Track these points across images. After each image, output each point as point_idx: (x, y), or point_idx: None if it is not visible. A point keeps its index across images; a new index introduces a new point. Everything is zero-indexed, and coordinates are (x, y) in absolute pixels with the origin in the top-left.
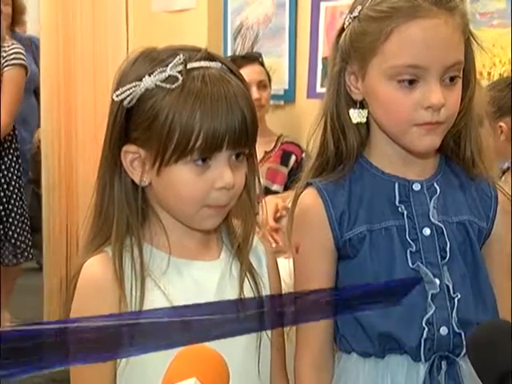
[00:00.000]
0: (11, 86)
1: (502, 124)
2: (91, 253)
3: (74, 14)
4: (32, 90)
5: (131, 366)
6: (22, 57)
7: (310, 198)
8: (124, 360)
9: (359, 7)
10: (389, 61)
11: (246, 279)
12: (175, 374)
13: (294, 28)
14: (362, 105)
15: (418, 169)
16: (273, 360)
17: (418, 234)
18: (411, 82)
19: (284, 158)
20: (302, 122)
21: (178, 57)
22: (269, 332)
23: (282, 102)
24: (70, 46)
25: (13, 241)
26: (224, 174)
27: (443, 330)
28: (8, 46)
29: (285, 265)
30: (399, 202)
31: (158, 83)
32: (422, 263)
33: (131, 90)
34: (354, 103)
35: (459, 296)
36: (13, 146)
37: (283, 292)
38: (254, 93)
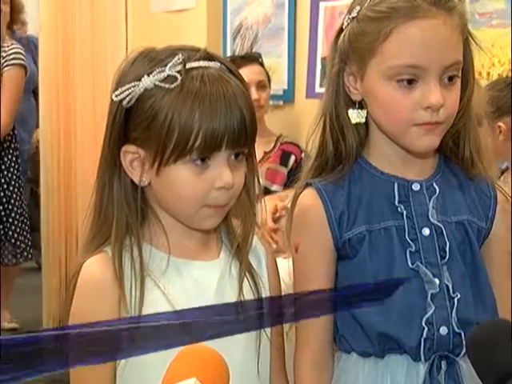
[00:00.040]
0: (11, 86)
1: (500, 124)
2: (91, 253)
3: (73, 14)
4: (31, 90)
5: (131, 366)
6: (22, 57)
7: (309, 199)
8: (123, 360)
9: (358, 8)
10: (388, 61)
11: (245, 279)
12: (175, 373)
13: (293, 28)
14: (361, 105)
15: (417, 169)
16: (272, 360)
17: (417, 233)
18: (410, 82)
19: (283, 159)
20: (301, 122)
21: (176, 57)
22: (268, 332)
23: (281, 102)
24: (69, 46)
25: (13, 240)
26: (223, 173)
27: (443, 330)
28: (8, 46)
29: (284, 265)
30: (398, 202)
31: (157, 83)
32: (421, 263)
33: (130, 90)
34: (352, 103)
35: (459, 296)
36: (12, 145)
37: (283, 291)
38: (253, 93)
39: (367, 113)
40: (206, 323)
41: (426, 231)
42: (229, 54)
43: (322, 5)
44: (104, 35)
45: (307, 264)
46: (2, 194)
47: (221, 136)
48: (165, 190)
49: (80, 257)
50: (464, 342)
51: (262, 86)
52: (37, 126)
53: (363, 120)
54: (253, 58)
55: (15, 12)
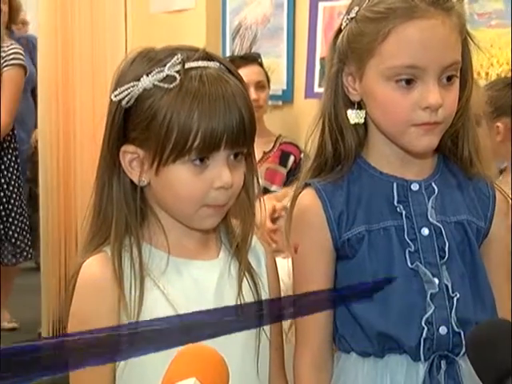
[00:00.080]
0: (11, 86)
1: (499, 124)
2: (90, 252)
3: (73, 14)
4: (29, 90)
5: (130, 367)
6: (21, 57)
7: (308, 199)
8: (123, 361)
9: (356, 8)
10: (386, 61)
11: (244, 279)
12: (175, 374)
13: (292, 28)
14: (360, 105)
15: (416, 169)
16: (272, 360)
17: (416, 233)
18: (409, 83)
19: (283, 159)
20: (300, 122)
21: (175, 57)
22: (268, 332)
23: (280, 103)
24: (68, 46)
25: (13, 240)
26: (222, 173)
27: (442, 330)
28: (7, 46)
29: (283, 265)
30: (397, 202)
31: (156, 83)
32: (420, 263)
33: (129, 90)
34: (351, 104)
35: (458, 295)
36: (12, 145)
37: (282, 291)
38: (252, 93)
39: (366, 113)
40: (205, 322)
41: (425, 231)
42: (228, 54)
43: (320, 5)
44: (103, 35)
45: (306, 264)
46: (2, 194)
47: (220, 136)
48: (164, 189)
49: (79, 257)
50: (463, 342)
51: (261, 86)
52: (35, 126)
53: (362, 120)
54: (252, 58)
55: (13, 11)
